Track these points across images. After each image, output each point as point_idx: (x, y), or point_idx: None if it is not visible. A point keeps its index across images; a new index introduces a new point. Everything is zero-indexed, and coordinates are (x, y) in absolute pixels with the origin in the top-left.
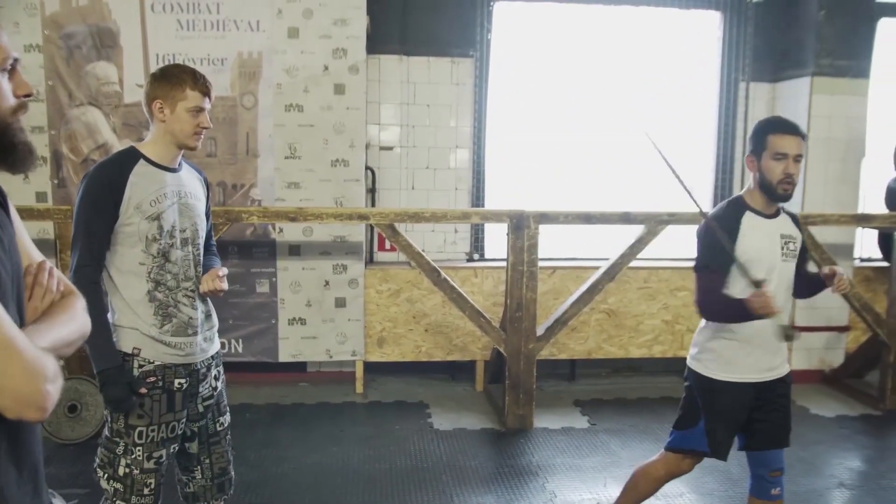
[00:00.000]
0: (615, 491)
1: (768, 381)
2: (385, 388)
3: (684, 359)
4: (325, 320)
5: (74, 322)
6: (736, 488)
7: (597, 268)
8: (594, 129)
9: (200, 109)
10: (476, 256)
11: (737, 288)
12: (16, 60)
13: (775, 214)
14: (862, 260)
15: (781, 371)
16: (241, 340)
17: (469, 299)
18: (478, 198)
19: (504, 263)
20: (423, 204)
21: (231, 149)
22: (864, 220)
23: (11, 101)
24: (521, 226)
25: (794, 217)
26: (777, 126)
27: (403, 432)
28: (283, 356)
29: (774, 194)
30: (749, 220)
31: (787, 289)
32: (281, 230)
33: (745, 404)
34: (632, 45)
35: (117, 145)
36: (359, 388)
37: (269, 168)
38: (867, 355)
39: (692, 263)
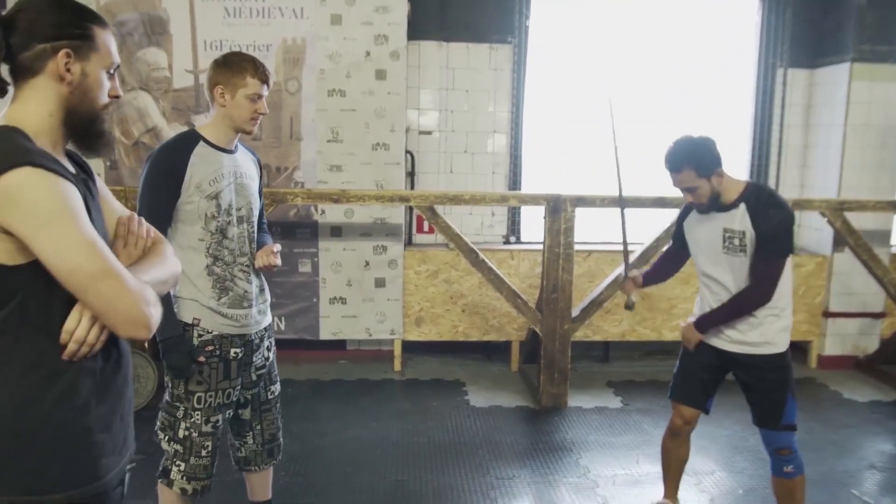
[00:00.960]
0: (647, 468)
1: (725, 352)
2: (422, 367)
3: None
4: (364, 300)
5: (166, 264)
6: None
7: (632, 251)
8: (630, 117)
9: (259, 96)
10: (512, 239)
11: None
12: (118, 67)
13: (724, 208)
14: None
15: (738, 348)
16: (283, 318)
17: (506, 280)
18: (515, 182)
19: (540, 246)
20: (462, 187)
21: (275, 132)
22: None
23: (105, 99)
24: (558, 209)
25: (756, 212)
26: (664, 163)
27: (440, 409)
28: (324, 334)
29: None
30: (694, 214)
31: (741, 281)
32: (323, 212)
33: (707, 362)
34: (670, 32)
35: (166, 129)
36: (397, 366)
37: (311, 151)
38: None
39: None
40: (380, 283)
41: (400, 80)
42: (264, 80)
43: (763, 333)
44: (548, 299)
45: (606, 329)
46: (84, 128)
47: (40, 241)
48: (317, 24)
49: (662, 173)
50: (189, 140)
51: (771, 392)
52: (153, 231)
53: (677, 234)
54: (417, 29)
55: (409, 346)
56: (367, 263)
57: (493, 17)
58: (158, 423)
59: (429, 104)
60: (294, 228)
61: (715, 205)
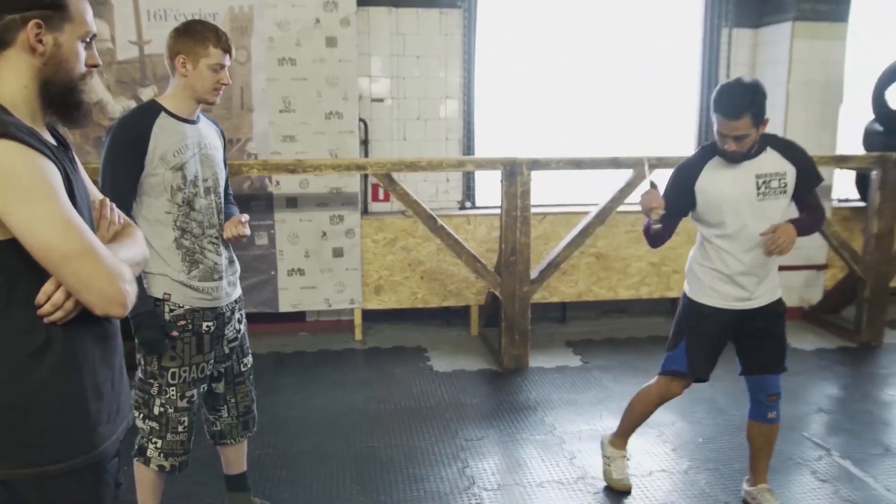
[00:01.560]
0: (611, 422)
1: (748, 310)
2: (383, 335)
3: (671, 299)
4: (323, 270)
5: (137, 246)
6: (721, 416)
7: (585, 213)
8: (582, 78)
9: (221, 66)
10: (468, 205)
11: (710, 221)
12: (94, 35)
13: (752, 155)
14: (840, 200)
15: (759, 302)
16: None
17: (465, 245)
18: (468, 147)
19: (496, 211)
20: (415, 154)
21: (226, 104)
22: (842, 161)
23: (82, 69)
24: (515, 172)
25: (787, 149)
26: (718, 106)
27: (404, 375)
28: (284, 306)
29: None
30: (714, 165)
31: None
32: (278, 183)
33: (722, 330)
34: None
35: (112, 103)
36: (357, 335)
37: (263, 122)
38: (844, 291)
39: None
40: (338, 252)
41: (351, 46)
42: (227, 49)
43: (774, 279)
44: (506, 262)
45: (563, 290)
46: (61, 99)
47: (14, 217)
48: None
49: (616, 135)
50: (150, 111)
51: (782, 336)
52: (122, 216)
53: (680, 204)
54: None
55: (368, 315)
56: (325, 234)
57: None
58: (132, 401)
59: (380, 71)
60: (249, 201)
61: (746, 154)
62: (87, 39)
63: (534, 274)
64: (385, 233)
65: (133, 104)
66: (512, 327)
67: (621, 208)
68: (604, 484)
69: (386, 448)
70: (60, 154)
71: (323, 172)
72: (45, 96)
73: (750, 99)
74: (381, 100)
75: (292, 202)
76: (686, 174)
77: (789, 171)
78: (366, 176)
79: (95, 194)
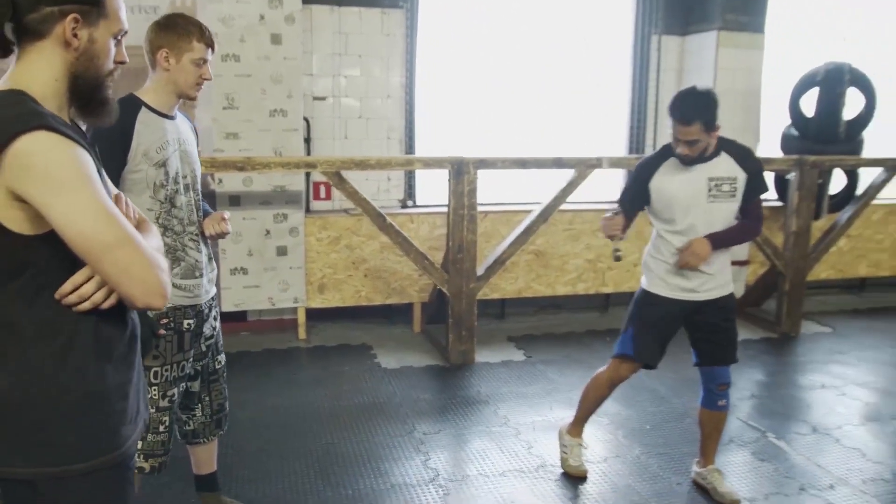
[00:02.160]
0: (560, 413)
1: (698, 303)
2: (326, 333)
3: (606, 295)
4: (266, 269)
5: (157, 239)
6: (665, 405)
7: (526, 212)
8: (521, 80)
9: (204, 61)
10: (410, 203)
11: (663, 218)
12: (125, 33)
13: (707, 159)
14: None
15: (707, 295)
16: None
17: (414, 243)
18: (410, 146)
19: (437, 209)
20: (356, 153)
21: None
22: (765, 163)
23: (111, 65)
24: (462, 171)
25: (741, 155)
26: (672, 112)
27: (353, 372)
28: (226, 306)
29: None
30: (669, 166)
31: (720, 227)
32: (220, 181)
33: (670, 320)
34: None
35: None
36: (301, 333)
37: (206, 119)
38: (765, 286)
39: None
40: (281, 251)
41: (296, 44)
42: (210, 44)
43: (726, 274)
44: (454, 259)
45: (504, 287)
46: (88, 94)
47: (54, 209)
48: None
49: (556, 135)
50: (131, 106)
51: (733, 329)
52: (137, 211)
53: (636, 198)
54: None
55: (311, 314)
56: (268, 232)
57: None
58: None
59: (322, 70)
60: None
61: (700, 157)
62: (119, 37)
63: (480, 271)
64: (329, 231)
65: None
66: (459, 323)
67: (559, 207)
68: (562, 471)
69: (346, 444)
70: (90, 146)
71: (272, 170)
72: (74, 90)
73: (702, 107)
74: (322, 98)
75: (235, 200)
76: (643, 172)
77: (740, 177)
78: (308, 174)
79: (111, 188)
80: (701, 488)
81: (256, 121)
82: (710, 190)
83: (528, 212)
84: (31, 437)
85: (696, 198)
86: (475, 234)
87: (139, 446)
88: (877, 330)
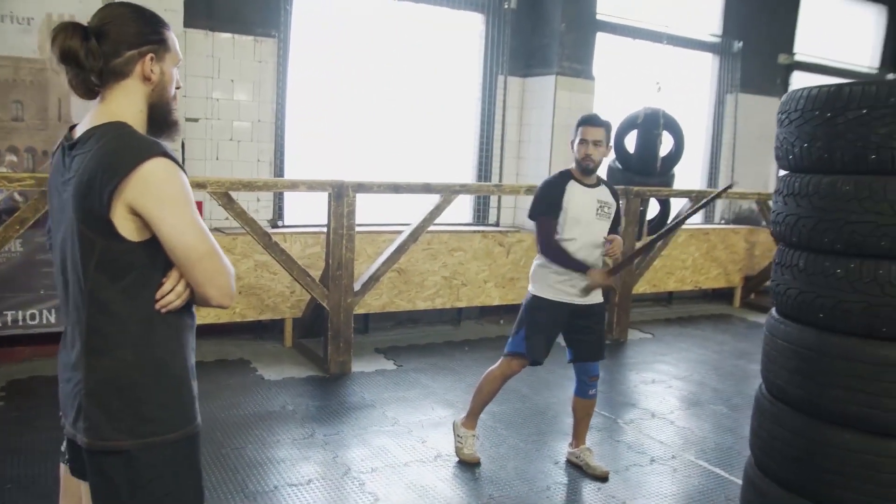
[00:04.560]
0: (442, 412)
1: (578, 307)
2: (202, 349)
3: (460, 309)
4: None
5: None
6: (538, 396)
7: (390, 232)
8: (385, 108)
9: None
10: (280, 223)
11: (566, 229)
12: (181, 62)
13: (595, 185)
14: None
15: (587, 300)
16: (53, 311)
17: (297, 261)
18: (280, 169)
19: (307, 228)
20: (227, 174)
21: (41, 114)
22: None
23: (174, 91)
24: (342, 194)
25: (613, 190)
26: (585, 120)
27: (239, 385)
28: None
29: (580, 167)
30: (572, 187)
31: (597, 240)
32: None
33: (556, 322)
34: (412, 36)
35: None
36: None
37: None
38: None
39: (529, 213)
40: None
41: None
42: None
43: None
44: (333, 276)
45: (369, 302)
46: (163, 118)
47: (165, 221)
48: (87, 1)
49: (421, 163)
50: None
51: (602, 331)
52: None
53: (556, 207)
54: (185, 16)
55: None
56: None
57: (258, 11)
58: None
59: (195, 92)
60: None
61: (593, 175)
62: (177, 66)
63: (357, 286)
64: None
65: None
66: (338, 335)
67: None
68: (457, 459)
69: (255, 449)
70: None
71: None
72: (151, 117)
73: (607, 122)
74: (195, 119)
75: None
76: (555, 188)
77: (613, 205)
78: None
79: None
80: (575, 465)
81: None
82: (598, 210)
83: (394, 232)
84: (132, 412)
85: (589, 214)
86: (353, 252)
87: None
88: (687, 335)
